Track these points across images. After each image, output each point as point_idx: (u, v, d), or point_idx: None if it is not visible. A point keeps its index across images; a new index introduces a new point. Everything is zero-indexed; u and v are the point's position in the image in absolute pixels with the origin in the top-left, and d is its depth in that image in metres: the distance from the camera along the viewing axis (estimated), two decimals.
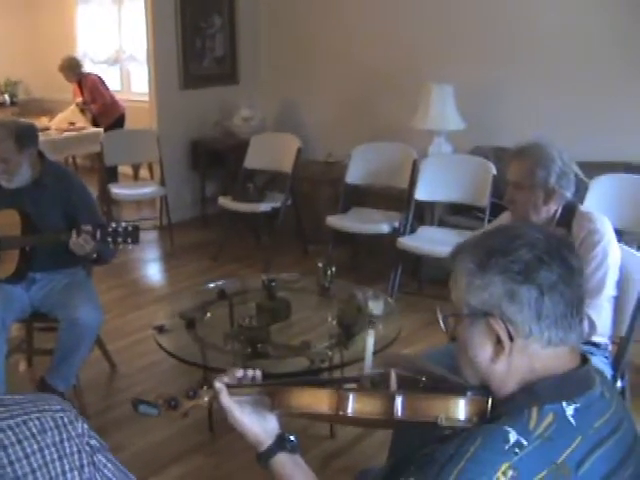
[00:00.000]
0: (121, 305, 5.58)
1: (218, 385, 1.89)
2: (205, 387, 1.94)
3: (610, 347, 3.43)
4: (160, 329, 3.97)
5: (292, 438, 1.87)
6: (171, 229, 7.49)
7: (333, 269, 4.41)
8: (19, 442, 1.45)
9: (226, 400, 1.87)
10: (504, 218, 3.67)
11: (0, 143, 4.07)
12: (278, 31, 8.37)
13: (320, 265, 4.45)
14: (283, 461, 1.84)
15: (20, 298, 4.17)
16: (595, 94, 6.14)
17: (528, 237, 1.58)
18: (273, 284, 4.26)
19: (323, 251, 6.42)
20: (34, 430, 1.48)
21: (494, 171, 5.73)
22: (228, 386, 1.90)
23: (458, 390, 1.67)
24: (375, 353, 3.67)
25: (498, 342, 1.57)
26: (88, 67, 9.60)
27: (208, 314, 4.13)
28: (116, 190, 7.50)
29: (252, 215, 7.09)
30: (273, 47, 8.48)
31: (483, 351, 1.60)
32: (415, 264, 6.18)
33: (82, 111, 9.03)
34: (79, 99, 9.12)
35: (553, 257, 1.55)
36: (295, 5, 8.11)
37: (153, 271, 7.27)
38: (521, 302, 1.54)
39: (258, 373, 1.96)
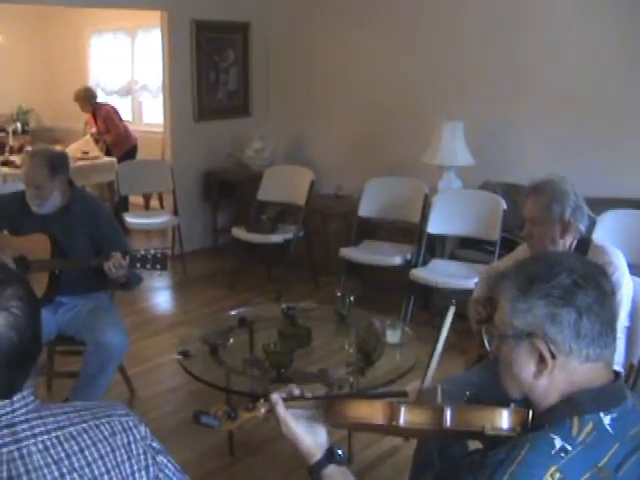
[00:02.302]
0: (137, 331, 5.64)
1: (275, 397, 1.99)
2: (262, 400, 2.04)
3: (623, 374, 3.53)
4: (185, 354, 4.05)
5: (340, 452, 1.97)
6: (184, 258, 7.60)
7: (351, 298, 4.52)
8: (94, 444, 1.56)
9: (282, 412, 1.97)
10: (521, 251, 3.77)
11: (34, 169, 4.20)
12: (289, 65, 8.52)
13: (339, 294, 4.56)
14: (333, 473, 1.95)
15: (47, 321, 4.19)
16: (601, 132, 6.27)
17: (566, 263, 1.72)
18: (293, 312, 4.38)
19: (334, 282, 6.53)
20: (106, 433, 1.59)
21: (505, 206, 5.85)
22: (284, 399, 2.00)
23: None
24: (391, 382, 3.81)
25: (541, 360, 1.70)
26: (100, 97, 9.72)
27: (230, 340, 4.22)
28: (130, 219, 7.60)
29: (264, 246, 7.20)
30: (285, 81, 8.62)
31: (527, 368, 1.73)
32: (425, 296, 6.28)
33: (96, 141, 9.13)
34: (93, 129, 9.23)
35: (588, 281, 1.69)
36: (306, 41, 8.26)
37: (167, 299, 7.36)
38: (561, 323, 1.67)
39: (318, 390, 2.06)
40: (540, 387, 1.72)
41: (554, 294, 1.68)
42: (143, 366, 5.37)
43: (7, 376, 1.49)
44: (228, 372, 3.96)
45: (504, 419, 1.77)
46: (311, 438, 1.97)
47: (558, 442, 1.59)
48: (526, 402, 1.78)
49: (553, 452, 1.58)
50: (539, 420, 1.72)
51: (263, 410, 2.03)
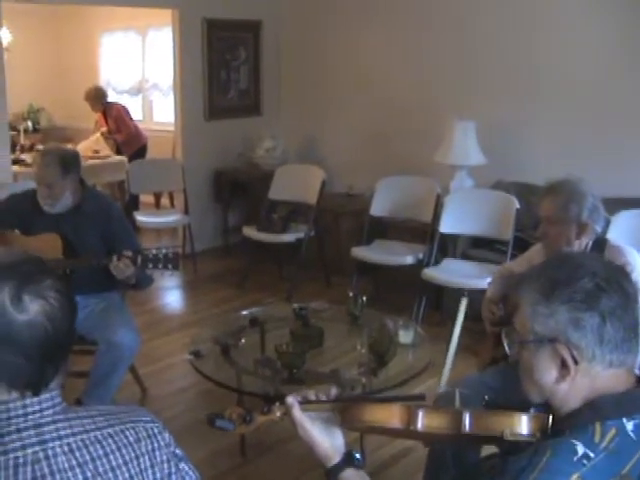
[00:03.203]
0: (148, 331, 5.62)
1: (290, 400, 1.97)
2: (278, 403, 2.02)
3: None
4: (196, 354, 4.04)
5: (358, 455, 1.95)
6: (194, 258, 7.59)
7: (364, 298, 4.50)
8: (118, 449, 1.55)
9: (298, 414, 1.95)
10: (535, 251, 3.74)
11: (46, 168, 4.19)
12: (301, 64, 8.51)
13: (351, 294, 4.55)
14: (351, 476, 1.92)
15: None
16: (615, 131, 6.24)
17: (588, 266, 1.69)
18: (304, 312, 4.36)
19: (346, 282, 6.51)
20: (130, 439, 1.58)
21: (517, 205, 5.82)
22: (299, 402, 1.98)
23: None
24: (404, 383, 3.79)
25: (563, 366, 1.67)
26: (111, 97, 9.72)
27: (242, 340, 4.21)
28: (141, 218, 7.60)
29: (275, 245, 7.18)
30: (296, 80, 8.60)
31: (549, 374, 1.70)
32: (437, 296, 6.26)
33: (106, 140, 9.13)
34: (104, 128, 9.24)
35: (611, 284, 1.66)
36: (318, 40, 8.24)
37: (178, 298, 7.36)
38: (585, 328, 1.64)
39: (332, 392, 2.04)
40: (561, 392, 1.69)
41: (577, 298, 1.65)
42: (154, 366, 5.36)
43: (39, 367, 1.49)
44: (239, 372, 3.96)
45: (524, 424, 1.74)
46: (328, 441, 1.95)
47: (580, 449, 1.55)
48: (545, 406, 1.76)
49: (575, 459, 1.54)
50: (559, 425, 1.69)
51: (279, 413, 2.01)
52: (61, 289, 1.52)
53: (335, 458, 1.94)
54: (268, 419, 2.02)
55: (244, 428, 2.03)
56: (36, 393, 1.50)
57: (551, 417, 1.73)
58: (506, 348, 1.82)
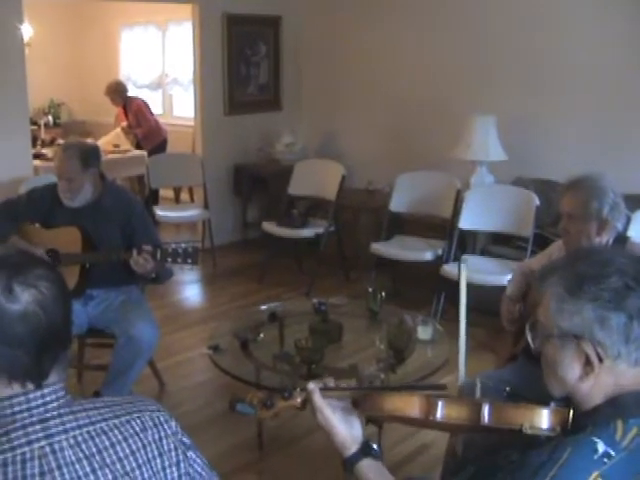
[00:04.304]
0: (167, 325, 5.61)
1: (311, 386, 1.97)
2: (299, 389, 2.02)
3: None
4: (215, 348, 4.05)
5: (375, 446, 1.95)
6: (214, 252, 7.60)
7: (383, 294, 4.49)
8: (125, 440, 1.55)
9: (319, 401, 1.95)
10: (555, 248, 3.72)
11: (66, 162, 4.20)
12: (320, 59, 8.50)
13: (370, 290, 4.54)
14: (368, 466, 1.92)
15: (78, 314, 4.21)
16: (636, 127, 6.20)
17: (617, 263, 1.65)
18: (324, 307, 4.36)
19: (364, 277, 6.51)
20: (137, 428, 1.59)
21: (537, 202, 5.80)
22: (321, 389, 1.98)
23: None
24: (422, 379, 3.78)
25: (587, 363, 1.65)
26: (131, 91, 9.74)
27: (261, 335, 4.21)
28: (161, 212, 7.61)
29: (294, 240, 7.18)
30: (316, 75, 8.60)
31: (572, 370, 1.67)
32: (456, 292, 6.22)
33: (126, 135, 9.15)
34: (124, 123, 9.26)
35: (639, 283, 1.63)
36: (337, 35, 8.22)
37: (197, 292, 7.37)
38: (611, 327, 1.61)
39: (354, 383, 2.04)
40: (585, 389, 1.67)
41: (604, 297, 1.61)
42: (173, 360, 5.37)
43: (35, 357, 1.49)
44: (258, 367, 3.96)
45: (544, 418, 1.73)
46: (347, 430, 1.95)
47: (601, 446, 1.53)
48: (566, 401, 1.74)
49: (596, 457, 1.52)
50: (580, 421, 1.67)
51: (299, 399, 2.01)
52: (53, 279, 1.52)
53: (353, 447, 1.93)
54: (288, 404, 2.02)
55: (265, 413, 2.03)
56: (37, 384, 1.51)
57: (572, 412, 1.71)
58: (529, 341, 1.80)
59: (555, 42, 6.52)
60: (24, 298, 1.46)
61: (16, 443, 1.45)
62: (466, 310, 3.67)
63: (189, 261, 3.92)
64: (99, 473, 1.49)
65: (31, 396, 1.50)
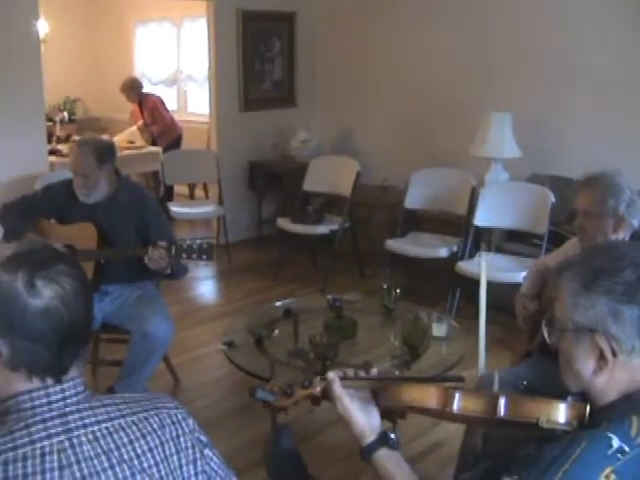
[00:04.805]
0: (181, 321, 5.62)
1: (331, 375, 1.98)
2: (319, 377, 2.02)
3: None
4: (230, 344, 4.06)
5: (393, 436, 1.95)
6: (228, 248, 7.61)
7: (398, 291, 4.49)
8: (143, 437, 1.56)
9: (339, 389, 1.96)
10: (571, 245, 3.71)
11: (82, 158, 4.22)
12: (335, 56, 8.49)
13: (385, 287, 4.54)
14: (386, 456, 1.92)
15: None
16: None
17: (632, 257, 1.65)
18: (338, 304, 4.36)
19: (379, 273, 6.51)
20: (155, 426, 1.59)
21: (553, 199, 5.78)
22: (340, 378, 1.98)
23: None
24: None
25: (601, 357, 1.65)
26: (146, 87, 9.76)
27: (275, 331, 4.22)
28: (175, 209, 7.63)
29: (309, 237, 7.18)
30: (330, 71, 8.59)
31: (587, 364, 1.67)
32: (471, 289, 6.22)
33: (142, 133, 9.16)
34: (140, 122, 9.27)
35: None
36: (352, 31, 8.21)
37: (211, 289, 7.38)
38: (624, 321, 1.61)
39: (374, 371, 2.05)
40: (599, 384, 1.67)
41: (617, 290, 1.61)
42: (187, 356, 5.38)
43: (56, 352, 1.50)
44: (273, 363, 3.96)
45: (561, 412, 1.72)
46: (365, 419, 1.96)
47: (616, 442, 1.53)
48: (582, 395, 1.74)
49: (610, 452, 1.52)
50: (597, 416, 1.67)
51: (319, 388, 2.02)
52: (75, 274, 1.53)
53: (370, 437, 1.94)
54: (308, 393, 2.03)
55: (285, 400, 2.03)
56: (57, 379, 1.52)
57: (588, 407, 1.71)
58: (546, 336, 1.80)
59: (572, 40, 6.49)
60: (46, 293, 1.47)
61: (36, 437, 1.45)
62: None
63: (204, 257, 3.92)
64: (117, 469, 1.50)
65: (51, 390, 1.51)
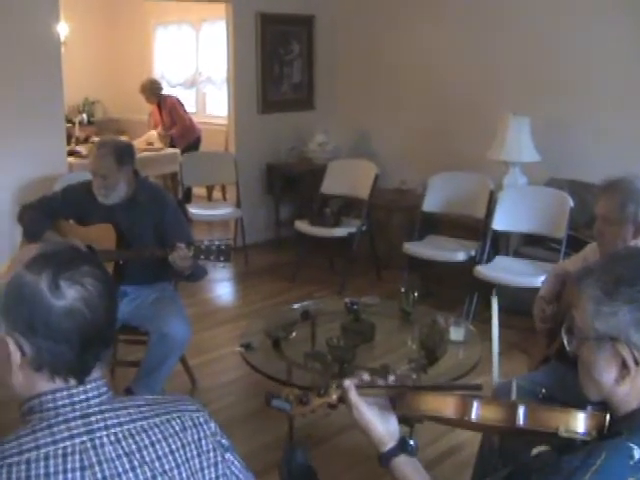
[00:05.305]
0: (198, 322, 5.61)
1: (347, 383, 1.95)
2: (334, 385, 2.01)
3: None
4: (247, 346, 4.06)
5: (412, 442, 1.94)
6: (246, 250, 7.62)
7: (415, 294, 4.48)
8: (165, 439, 1.56)
9: (354, 397, 1.93)
10: (590, 250, 3.69)
11: (101, 159, 4.24)
12: (354, 59, 8.49)
13: (403, 290, 4.53)
14: (404, 463, 1.90)
15: None
16: None
17: None
18: (356, 307, 4.36)
19: (396, 276, 6.50)
20: (177, 428, 1.59)
21: (571, 203, 5.76)
22: (357, 386, 1.97)
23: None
24: (455, 380, 3.77)
25: (624, 366, 1.63)
26: (165, 90, 9.77)
27: (293, 333, 4.22)
28: (193, 210, 7.64)
29: (327, 239, 7.17)
30: (349, 74, 8.59)
31: (608, 373, 1.65)
32: (489, 293, 6.19)
33: (162, 138, 9.17)
34: (159, 128, 9.29)
35: None
36: (371, 34, 8.22)
37: (228, 291, 7.41)
38: None
39: (390, 379, 2.03)
40: (621, 393, 1.65)
41: (639, 299, 1.60)
42: (204, 357, 5.39)
43: (79, 353, 1.50)
44: (290, 365, 3.96)
45: (580, 422, 1.70)
46: (383, 426, 1.93)
47: (637, 453, 1.51)
48: (602, 404, 1.72)
49: (632, 463, 1.50)
50: (617, 426, 1.65)
51: (335, 396, 2.00)
52: (99, 276, 1.53)
53: (389, 443, 1.92)
54: (324, 401, 2.01)
55: (300, 409, 2.02)
56: (80, 380, 1.52)
57: (608, 416, 1.69)
58: (565, 344, 1.78)
59: (591, 43, 6.47)
60: (70, 294, 1.48)
61: (58, 437, 1.46)
62: (498, 311, 3.65)
63: (222, 259, 3.94)
64: (138, 471, 1.50)
65: (74, 391, 1.51)
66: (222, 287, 7.34)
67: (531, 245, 6.22)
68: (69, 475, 1.43)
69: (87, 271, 1.52)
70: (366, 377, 2.00)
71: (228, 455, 1.67)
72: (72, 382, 1.52)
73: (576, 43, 6.56)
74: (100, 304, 1.51)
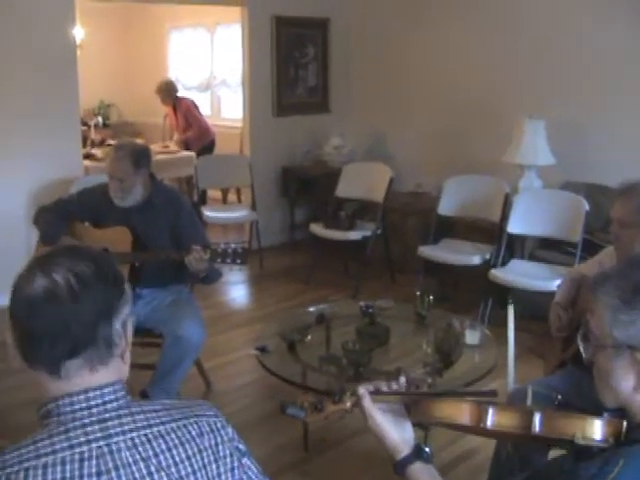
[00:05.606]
0: (213, 325, 5.60)
1: (362, 391, 1.94)
2: (349, 393, 2.01)
3: None
4: (262, 349, 4.06)
5: (427, 449, 1.93)
6: (261, 253, 7.63)
7: (431, 298, 4.48)
8: (182, 444, 1.55)
9: (369, 405, 1.92)
10: (606, 254, 3.67)
11: (118, 162, 4.25)
12: (369, 63, 8.49)
13: (418, 293, 4.52)
14: (420, 470, 1.88)
15: None
16: None
17: None
18: (371, 310, 4.36)
19: (411, 279, 6.50)
20: (193, 433, 1.58)
21: (587, 207, 5.74)
22: (370, 393, 1.97)
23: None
24: (469, 384, 3.76)
25: None
26: (179, 93, 9.80)
27: (308, 337, 4.22)
28: (208, 213, 7.65)
29: (341, 242, 7.15)
30: (364, 78, 8.59)
31: (626, 381, 1.64)
32: (504, 297, 6.18)
33: (177, 144, 9.20)
34: (176, 136, 9.33)
35: None
36: (386, 37, 8.21)
37: (243, 293, 7.40)
38: None
39: (402, 380, 2.02)
40: (639, 400, 1.64)
41: None
42: (219, 360, 5.38)
43: (47, 345, 1.49)
44: (305, 369, 3.96)
45: (597, 429, 1.69)
46: (398, 433, 1.91)
47: None
48: (619, 411, 1.71)
49: None
50: (634, 432, 1.64)
51: (349, 403, 1.99)
52: (80, 271, 1.52)
53: (404, 451, 1.90)
54: (339, 408, 1.99)
55: (315, 416, 2.01)
56: (52, 372, 1.51)
57: (625, 424, 1.68)
58: (582, 351, 1.77)
59: (606, 45, 6.45)
60: (39, 284, 1.49)
61: (75, 442, 1.46)
62: (513, 314, 3.64)
63: (238, 261, 3.94)
64: (155, 476, 1.50)
65: (90, 395, 1.52)
66: (237, 290, 7.35)
67: (546, 249, 6.19)
68: None
69: (68, 266, 1.52)
70: (380, 384, 1.99)
71: (245, 460, 1.66)
72: (54, 375, 1.52)
73: (592, 45, 6.54)
74: (72, 300, 1.49)
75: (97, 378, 1.54)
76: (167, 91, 9.30)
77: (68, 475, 1.43)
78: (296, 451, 4.22)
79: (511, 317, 3.58)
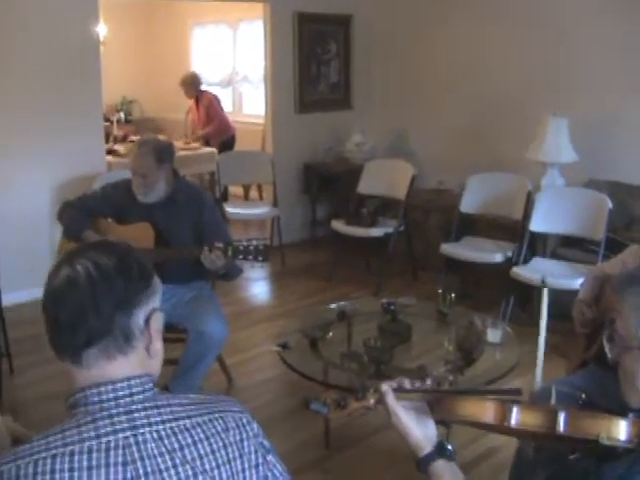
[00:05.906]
0: (235, 321, 5.61)
1: (385, 387, 1.92)
2: (372, 389, 2.00)
3: None
4: (284, 346, 4.07)
5: (449, 447, 1.92)
6: (282, 250, 7.64)
7: (453, 295, 4.47)
8: (207, 439, 1.56)
9: (392, 402, 1.90)
10: (630, 253, 3.65)
11: (141, 158, 4.27)
12: (392, 59, 8.48)
13: (440, 291, 4.52)
14: (442, 468, 1.87)
15: None
16: None
17: None
18: (393, 307, 4.36)
19: (432, 277, 6.49)
20: (219, 428, 1.59)
21: (610, 205, 5.70)
22: (394, 390, 1.97)
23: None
24: (491, 382, 3.75)
25: None
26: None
27: (330, 333, 4.22)
28: (231, 209, 7.67)
29: (363, 239, 7.15)
30: (386, 75, 8.58)
31: None
32: (526, 295, 6.17)
33: (198, 137, 9.25)
34: (200, 131, 9.35)
35: None
36: (409, 33, 8.21)
37: (265, 290, 7.43)
38: None
39: (428, 381, 2.01)
40: None
41: None
42: (241, 356, 5.40)
43: (66, 331, 1.53)
44: (326, 365, 3.97)
45: (622, 429, 1.66)
46: (421, 430, 1.89)
47: None
48: None
49: None
50: None
51: (372, 400, 1.98)
52: (100, 261, 1.54)
53: (427, 448, 1.88)
54: (362, 405, 1.98)
55: (338, 412, 2.00)
56: (75, 361, 1.53)
57: None
58: (607, 352, 1.76)
59: (631, 41, 6.41)
60: (63, 273, 1.54)
61: (102, 431, 1.48)
62: (535, 313, 3.63)
63: (260, 258, 3.95)
64: (179, 469, 1.50)
65: (118, 385, 1.53)
66: (258, 286, 7.36)
67: (569, 247, 6.16)
68: (111, 469, 1.45)
69: (91, 256, 1.56)
70: (403, 381, 1.99)
71: (270, 457, 1.66)
72: (75, 364, 1.54)
73: (616, 41, 6.50)
74: (88, 287, 1.52)
75: (117, 368, 1.55)
76: (192, 84, 9.35)
77: (94, 463, 1.44)
78: (317, 448, 4.22)
79: (544, 312, 3.56)
